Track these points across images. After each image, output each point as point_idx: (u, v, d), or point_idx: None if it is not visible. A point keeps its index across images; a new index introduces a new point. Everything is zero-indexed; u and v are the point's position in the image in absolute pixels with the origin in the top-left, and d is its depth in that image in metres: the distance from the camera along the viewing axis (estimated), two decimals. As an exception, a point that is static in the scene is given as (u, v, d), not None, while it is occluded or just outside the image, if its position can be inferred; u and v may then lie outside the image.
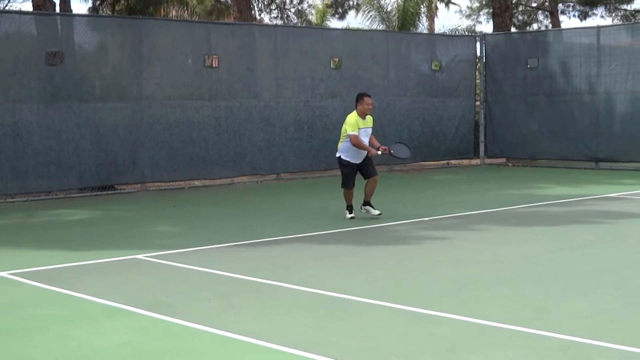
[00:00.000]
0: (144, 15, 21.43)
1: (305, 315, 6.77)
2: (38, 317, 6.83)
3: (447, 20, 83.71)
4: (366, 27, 32.91)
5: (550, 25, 35.36)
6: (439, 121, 21.65)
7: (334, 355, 5.63)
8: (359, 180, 12.12)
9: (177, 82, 17.07)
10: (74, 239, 10.98)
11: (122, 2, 23.89)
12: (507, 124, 21.96)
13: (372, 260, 9.24)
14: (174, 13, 30.77)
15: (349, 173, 11.96)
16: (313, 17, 37.48)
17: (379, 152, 11.99)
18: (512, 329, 6.23)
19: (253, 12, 30.05)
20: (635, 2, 41.33)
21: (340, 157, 12.00)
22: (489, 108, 22.27)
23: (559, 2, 35.90)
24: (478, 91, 22.72)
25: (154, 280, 8.30)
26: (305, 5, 35.83)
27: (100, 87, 16.37)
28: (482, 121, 22.31)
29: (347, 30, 25.69)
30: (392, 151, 12.25)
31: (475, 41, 22.87)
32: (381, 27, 32.67)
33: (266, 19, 35.40)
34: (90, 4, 25.15)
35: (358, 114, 11.86)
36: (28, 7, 30.54)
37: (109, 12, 24.83)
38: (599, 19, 36.84)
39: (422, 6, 34.30)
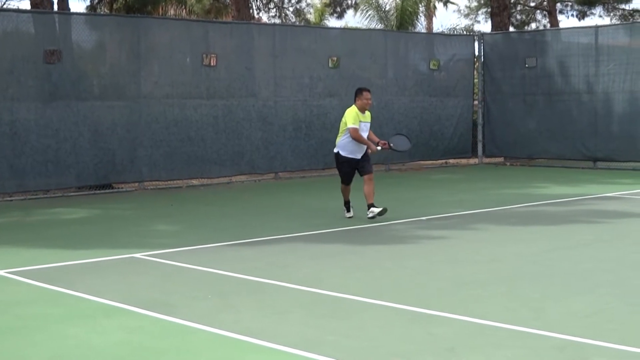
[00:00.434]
0: (142, 14, 21.41)
1: (303, 315, 6.77)
2: (36, 316, 6.83)
3: (446, 19, 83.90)
4: (364, 26, 32.91)
5: (548, 25, 35.40)
6: (437, 120, 21.66)
7: (333, 355, 5.63)
8: (358, 182, 12.05)
9: (175, 81, 17.07)
10: (72, 238, 10.98)
11: (120, 0, 23.88)
12: (505, 124, 21.97)
13: (371, 260, 9.24)
14: (172, 12, 30.77)
15: (346, 172, 11.86)
16: (311, 16, 37.49)
17: (379, 148, 11.89)
18: (510, 329, 6.23)
19: (251, 11, 30.05)
20: (633, 1, 41.34)
21: (338, 152, 11.83)
22: (487, 107, 22.27)
23: (557, 2, 35.94)
24: (476, 90, 22.73)
25: (152, 279, 8.30)
26: (303, 4, 35.86)
27: (98, 86, 16.36)
28: (480, 120, 22.32)
29: (346, 30, 25.69)
30: (391, 145, 12.16)
31: (474, 40, 22.88)
32: (379, 26, 32.69)
33: (264, 17, 35.42)
34: (88, 3, 25.18)
35: (358, 109, 11.76)
36: (26, 5, 30.53)
37: (106, 11, 24.83)
38: (597, 18, 36.88)
39: (420, 5, 34.32)
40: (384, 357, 5.63)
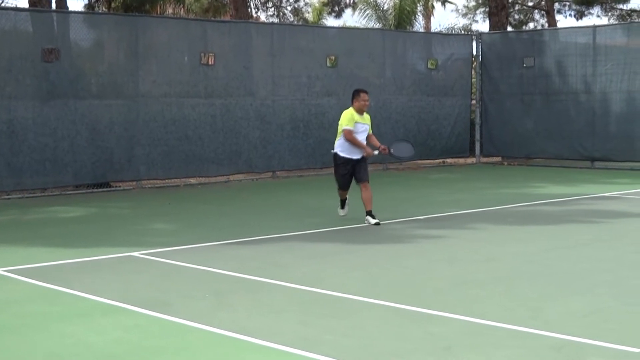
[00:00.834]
0: (140, 13, 21.41)
1: (300, 314, 6.77)
2: (33, 315, 6.82)
3: (444, 19, 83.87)
4: (362, 26, 32.91)
5: (546, 25, 35.42)
6: (434, 120, 21.67)
7: (330, 354, 5.63)
8: (357, 193, 11.91)
9: (173, 80, 17.06)
10: (70, 237, 10.97)
11: (118, -1, 23.87)
12: (502, 123, 21.98)
13: (368, 259, 9.24)
14: (170, 10, 30.75)
15: (343, 174, 11.54)
16: (309, 15, 37.48)
17: (376, 152, 11.62)
18: (508, 328, 6.24)
19: (249, 10, 30.06)
20: (631, 1, 41.39)
21: (336, 153, 11.60)
22: (485, 107, 22.28)
23: (555, 2, 35.96)
24: (474, 90, 22.74)
25: (149, 278, 8.30)
26: (301, 4, 35.88)
27: (96, 85, 16.35)
28: (478, 120, 22.33)
29: (344, 29, 25.68)
30: (391, 151, 11.83)
31: (472, 40, 22.90)
32: (377, 25, 32.67)
33: (262, 16, 35.41)
34: (86, 1, 25.16)
35: (355, 110, 11.58)
36: (24, 3, 30.49)
37: (104, 9, 24.82)
38: (595, 18, 36.91)
39: (418, 5, 34.31)
40: (382, 356, 5.63)
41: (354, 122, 11.45)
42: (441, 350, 5.73)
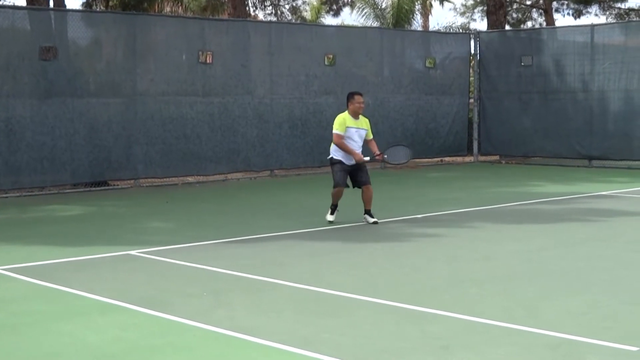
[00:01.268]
0: (138, 11, 21.41)
1: (298, 312, 6.78)
2: (31, 313, 6.83)
3: (442, 17, 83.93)
4: (360, 24, 32.90)
5: (544, 23, 35.44)
6: (432, 118, 21.67)
7: (327, 352, 5.64)
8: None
9: (171, 78, 17.06)
10: (67, 235, 10.97)
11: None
12: (500, 122, 21.99)
13: (366, 258, 9.25)
14: (168, 9, 30.73)
15: (339, 170, 11.23)
16: (307, 14, 37.47)
17: (367, 159, 11.23)
18: (505, 327, 6.25)
19: (247, 8, 30.03)
20: (629, 0, 41.41)
21: (332, 157, 11.34)
22: (483, 106, 22.29)
23: (553, 0, 35.96)
24: (472, 89, 22.75)
25: (147, 277, 8.30)
26: (299, 2, 35.84)
27: (94, 83, 16.34)
28: (475, 119, 22.34)
29: (342, 27, 25.68)
30: (385, 156, 11.45)
31: (470, 39, 22.90)
32: (375, 24, 32.66)
33: (260, 15, 35.39)
34: (84, -1, 25.13)
35: (350, 114, 11.28)
36: (22, 2, 30.47)
37: (102, 8, 24.80)
38: (593, 17, 36.94)
39: (416, 3, 34.29)
40: (379, 355, 5.64)
41: (345, 126, 11.16)
42: (439, 348, 5.74)
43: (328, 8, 36.87)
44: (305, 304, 7.08)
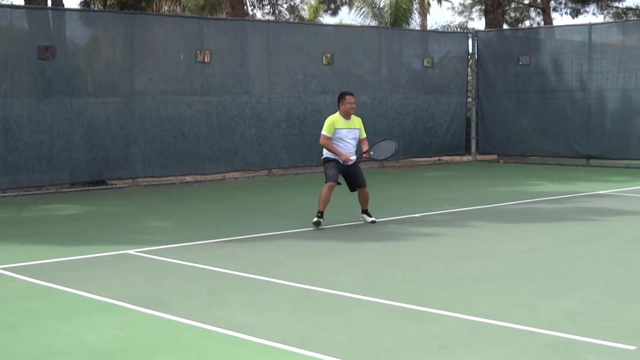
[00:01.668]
0: (136, 10, 21.39)
1: (296, 311, 6.78)
2: (28, 312, 6.82)
3: (440, 16, 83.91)
4: (358, 23, 32.91)
5: (542, 23, 35.45)
6: (430, 117, 21.68)
7: (324, 351, 5.64)
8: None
9: (169, 78, 17.06)
10: (65, 234, 10.97)
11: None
12: (498, 121, 22.01)
13: (364, 257, 9.25)
14: (166, 8, 30.73)
15: (333, 167, 11.05)
16: (305, 13, 37.47)
17: (353, 158, 11.05)
18: (503, 326, 6.25)
19: (245, 7, 30.03)
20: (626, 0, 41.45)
21: (326, 157, 11.21)
22: (481, 105, 22.30)
23: (551, 0, 35.96)
24: (470, 88, 22.76)
25: (145, 276, 8.30)
26: (297, 1, 35.84)
27: (92, 82, 16.34)
28: (473, 118, 22.35)
29: (340, 26, 25.66)
30: (371, 153, 11.29)
31: (468, 38, 22.91)
32: (373, 23, 32.68)
33: (258, 14, 35.40)
34: (82, -2, 25.11)
35: (341, 115, 11.13)
36: (20, 1, 30.46)
37: (100, 7, 24.78)
38: (591, 16, 36.96)
39: (414, 2, 34.31)
40: (376, 354, 5.64)
41: (334, 128, 11.02)
42: (436, 347, 5.74)
43: (326, 7, 36.88)
44: (303, 303, 7.08)
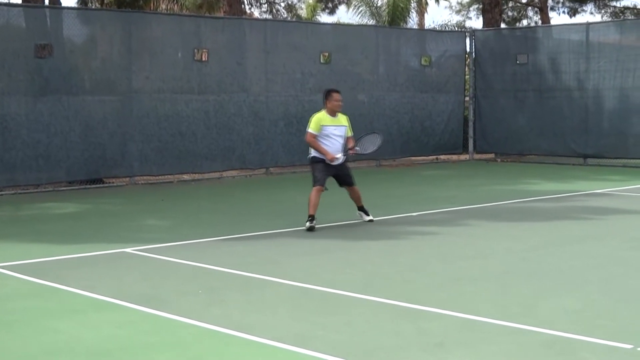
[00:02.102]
0: (133, 9, 21.37)
1: (293, 310, 6.78)
2: (26, 310, 6.82)
3: (437, 15, 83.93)
4: (356, 22, 32.90)
5: (539, 22, 35.46)
6: (428, 116, 21.69)
7: (322, 350, 5.64)
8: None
9: (166, 76, 17.05)
10: (63, 233, 10.96)
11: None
12: (496, 120, 22.01)
13: (361, 256, 9.25)
14: (163, 6, 30.68)
15: (320, 169, 10.89)
16: (303, 12, 37.45)
17: (339, 156, 10.86)
18: (500, 324, 6.26)
19: (243, 6, 30.01)
20: (624, -1, 41.51)
21: (314, 156, 11.03)
22: (478, 104, 22.31)
23: (549, -1, 35.99)
24: (467, 87, 22.76)
25: (142, 274, 8.30)
26: (295, 0, 35.82)
27: (89, 80, 16.33)
28: (471, 117, 22.36)
29: (337, 25, 25.66)
30: (357, 148, 11.12)
31: (465, 37, 22.90)
32: (371, 22, 32.66)
33: (256, 13, 35.38)
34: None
35: (327, 112, 10.95)
36: (17, -1, 30.40)
37: (98, 5, 24.76)
38: (588, 15, 36.99)
39: (412, 1, 34.30)
40: (374, 352, 5.64)
41: (320, 125, 10.86)
42: (433, 346, 5.75)
43: (324, 6, 36.86)
44: (300, 302, 7.08)
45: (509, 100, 21.74)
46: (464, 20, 40.52)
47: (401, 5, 32.23)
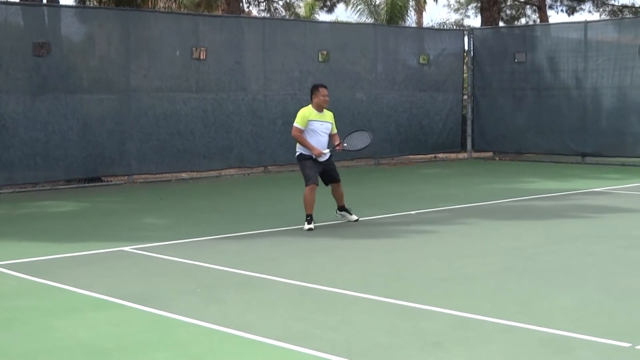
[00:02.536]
0: (131, 7, 21.35)
1: (291, 308, 6.78)
2: (23, 309, 6.82)
3: (436, 14, 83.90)
4: (354, 21, 32.90)
5: (538, 20, 35.47)
6: (426, 115, 21.69)
7: (320, 348, 5.64)
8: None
9: (164, 74, 17.05)
10: (61, 231, 10.96)
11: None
12: (494, 118, 22.02)
13: (359, 254, 9.26)
14: (161, 5, 30.66)
15: (310, 166, 10.81)
16: (301, 10, 37.46)
17: (326, 151, 10.81)
18: (497, 322, 6.26)
19: (241, 4, 30.01)
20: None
21: (301, 154, 10.96)
22: (477, 102, 22.31)
23: (547, -3, 36.01)
24: (466, 85, 22.77)
25: (140, 273, 8.30)
26: (293, -2, 35.85)
27: (87, 79, 16.33)
28: (469, 115, 22.36)
29: (335, 24, 25.68)
30: (344, 145, 11.06)
31: (464, 35, 22.91)
32: (369, 20, 32.67)
33: (254, 11, 35.38)
34: (77, -5, 25.03)
35: (314, 107, 10.87)
36: (15, -3, 30.36)
37: (96, 3, 24.72)
38: (587, 14, 37.05)
39: (410, 0, 34.32)
40: (371, 351, 5.65)
41: (307, 120, 10.79)
42: (431, 344, 5.75)
43: (322, 4, 36.88)
44: (298, 300, 7.08)
45: (507, 99, 21.74)
46: (462, 19, 40.57)
47: (399, 3, 32.24)
